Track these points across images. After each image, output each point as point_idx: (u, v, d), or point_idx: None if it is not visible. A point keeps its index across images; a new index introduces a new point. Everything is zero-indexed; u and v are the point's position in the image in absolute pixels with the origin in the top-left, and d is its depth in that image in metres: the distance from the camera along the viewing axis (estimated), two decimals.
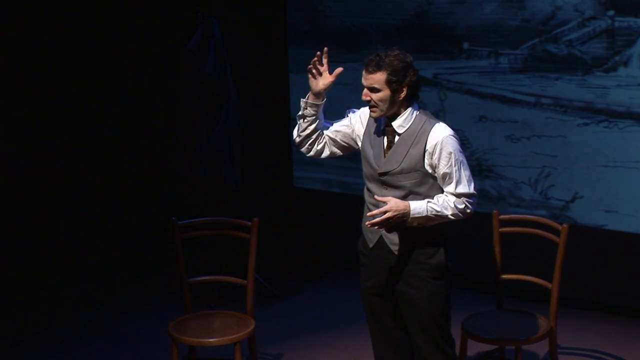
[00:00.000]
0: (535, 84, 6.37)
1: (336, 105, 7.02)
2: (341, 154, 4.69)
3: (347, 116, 4.66)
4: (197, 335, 5.11)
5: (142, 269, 7.16)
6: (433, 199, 4.38)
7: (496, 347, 5.30)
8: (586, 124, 6.26)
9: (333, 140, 4.63)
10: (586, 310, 6.43)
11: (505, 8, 6.37)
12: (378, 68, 4.34)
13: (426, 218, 4.36)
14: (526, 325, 5.10)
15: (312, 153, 4.65)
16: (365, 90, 4.39)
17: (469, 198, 4.39)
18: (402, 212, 4.31)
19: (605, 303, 6.41)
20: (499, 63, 6.46)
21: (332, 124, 4.66)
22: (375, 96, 4.37)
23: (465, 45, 6.54)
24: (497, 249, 5.25)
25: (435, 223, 4.40)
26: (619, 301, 6.36)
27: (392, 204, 4.31)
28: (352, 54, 6.89)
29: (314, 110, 4.55)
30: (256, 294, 5.49)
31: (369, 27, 6.83)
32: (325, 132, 4.64)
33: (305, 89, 4.62)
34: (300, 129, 4.61)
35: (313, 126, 4.58)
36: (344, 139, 4.63)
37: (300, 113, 4.59)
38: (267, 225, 5.90)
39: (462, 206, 4.38)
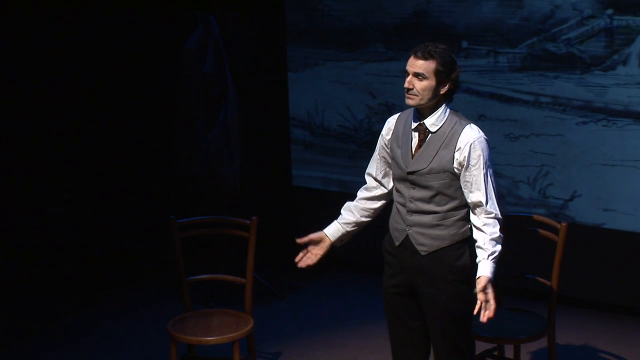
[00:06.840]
0: (534, 83, 6.37)
1: (335, 103, 7.06)
2: None
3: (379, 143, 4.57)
4: (196, 333, 5.11)
5: (141, 268, 7.15)
6: (484, 246, 4.26)
7: (495, 345, 5.30)
8: (585, 123, 6.26)
9: (382, 181, 4.58)
10: (585, 309, 6.43)
11: (504, 7, 6.37)
12: (430, 56, 4.26)
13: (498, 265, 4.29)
14: (525, 324, 5.10)
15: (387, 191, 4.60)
16: (410, 78, 4.28)
17: (496, 207, 4.30)
18: (488, 286, 4.21)
19: (604, 301, 6.41)
20: (497, 62, 6.46)
21: (372, 170, 4.59)
22: (419, 84, 4.28)
23: (464, 44, 6.54)
24: None
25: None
26: (618, 300, 6.37)
27: (483, 296, 4.21)
28: (351, 53, 6.89)
29: (348, 237, 4.69)
30: (255, 293, 5.49)
31: (367, 26, 6.83)
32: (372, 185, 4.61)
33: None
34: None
35: (367, 220, 4.65)
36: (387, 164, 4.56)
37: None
38: (265, 223, 5.89)
39: (497, 227, 4.28)
